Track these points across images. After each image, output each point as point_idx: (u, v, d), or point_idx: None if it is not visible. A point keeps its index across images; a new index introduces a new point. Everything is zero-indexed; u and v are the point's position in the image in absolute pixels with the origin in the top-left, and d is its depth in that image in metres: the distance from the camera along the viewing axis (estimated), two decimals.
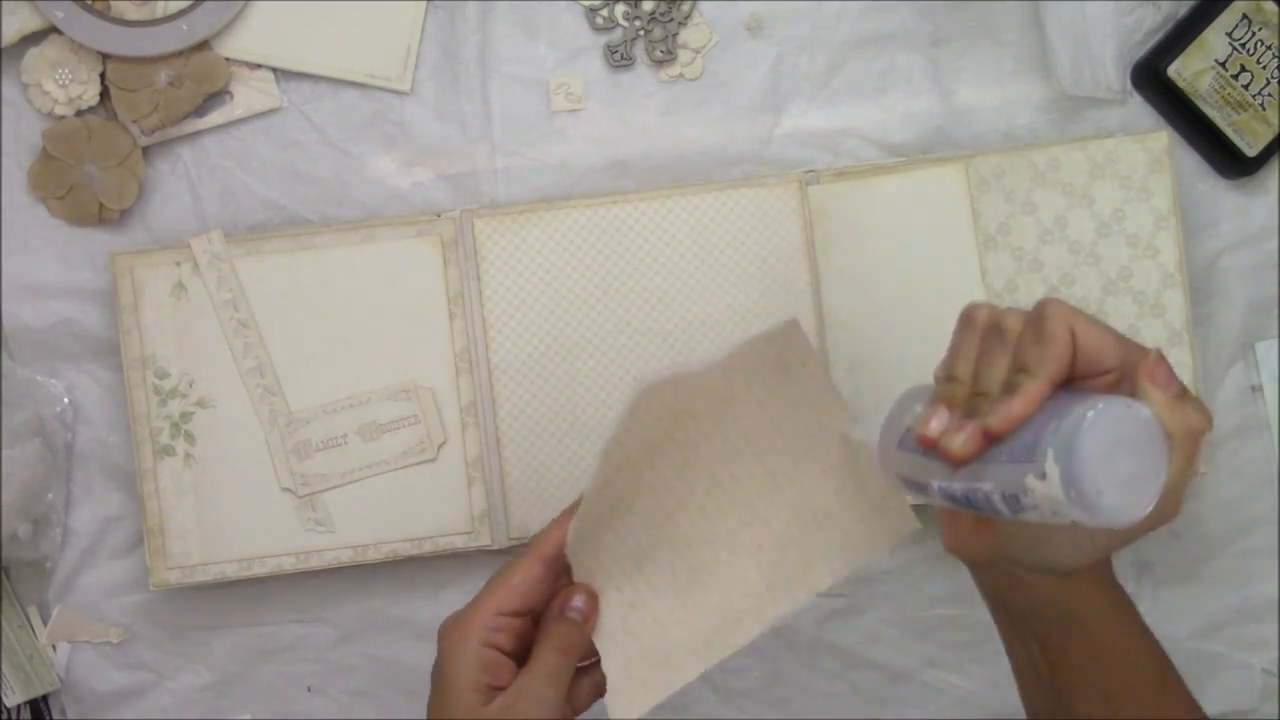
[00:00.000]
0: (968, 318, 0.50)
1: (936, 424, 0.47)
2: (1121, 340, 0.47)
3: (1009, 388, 0.46)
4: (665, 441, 0.54)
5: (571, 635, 0.55)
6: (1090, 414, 0.42)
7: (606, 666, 0.56)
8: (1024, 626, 0.55)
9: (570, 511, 0.55)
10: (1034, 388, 0.45)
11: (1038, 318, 0.47)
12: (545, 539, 0.55)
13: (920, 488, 0.50)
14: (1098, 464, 0.42)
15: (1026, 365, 0.46)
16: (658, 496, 0.56)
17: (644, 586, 0.57)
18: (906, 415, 0.51)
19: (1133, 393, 0.46)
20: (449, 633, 0.55)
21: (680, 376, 0.52)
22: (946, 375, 0.49)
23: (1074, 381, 0.47)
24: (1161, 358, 0.47)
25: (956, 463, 0.46)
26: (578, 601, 0.56)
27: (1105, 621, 0.53)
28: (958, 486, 0.47)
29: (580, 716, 0.57)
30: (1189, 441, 0.46)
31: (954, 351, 0.50)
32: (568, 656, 0.55)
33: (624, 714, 0.56)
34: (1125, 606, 0.55)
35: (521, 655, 0.55)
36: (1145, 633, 0.55)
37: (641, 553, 0.57)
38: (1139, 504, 0.43)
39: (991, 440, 0.46)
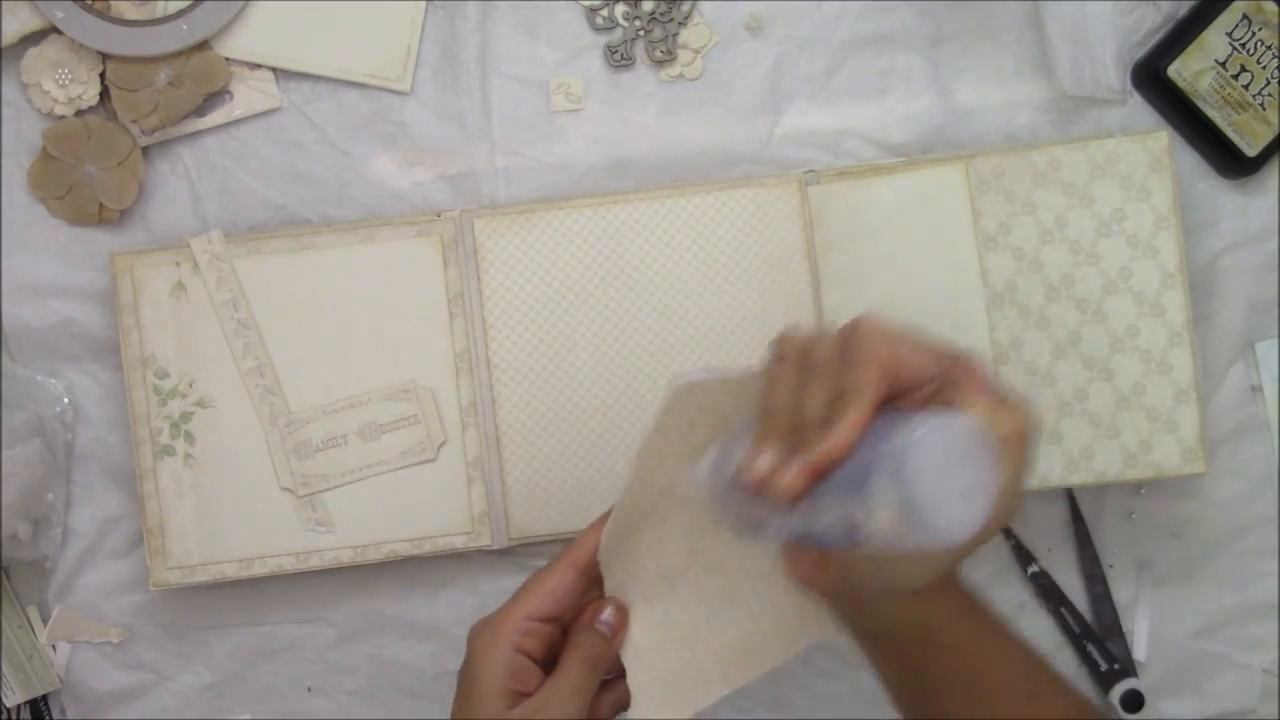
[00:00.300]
0: (780, 347, 0.48)
1: (763, 464, 0.46)
2: (936, 351, 0.46)
3: (830, 417, 0.44)
4: (699, 454, 0.54)
5: (599, 647, 0.55)
6: (915, 435, 0.41)
7: (632, 682, 0.56)
8: (884, 646, 0.55)
9: (605, 518, 0.55)
10: (855, 414, 0.44)
11: (850, 339, 0.46)
12: (579, 545, 0.55)
13: (759, 529, 0.48)
14: (931, 485, 0.41)
15: (845, 391, 0.44)
16: (694, 512, 0.55)
17: (675, 605, 0.57)
18: (733, 455, 0.49)
19: (953, 403, 0.45)
20: (479, 635, 0.55)
21: (715, 381, 0.51)
22: (766, 410, 0.48)
23: (894, 399, 0.45)
24: (977, 364, 0.46)
25: (788, 501, 0.45)
26: (607, 615, 0.56)
27: (961, 632, 0.53)
28: (795, 524, 0.46)
29: None
30: (1014, 444, 0.45)
31: (771, 384, 0.48)
32: (594, 669, 0.55)
33: None
34: (979, 612, 0.54)
35: (549, 663, 0.55)
36: (1005, 636, 0.54)
37: (675, 571, 0.57)
38: (975, 515, 0.42)
39: (820, 474, 0.44)
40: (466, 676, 0.55)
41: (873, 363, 0.45)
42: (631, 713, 0.56)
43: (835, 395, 0.45)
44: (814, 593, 0.53)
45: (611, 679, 0.57)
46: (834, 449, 0.44)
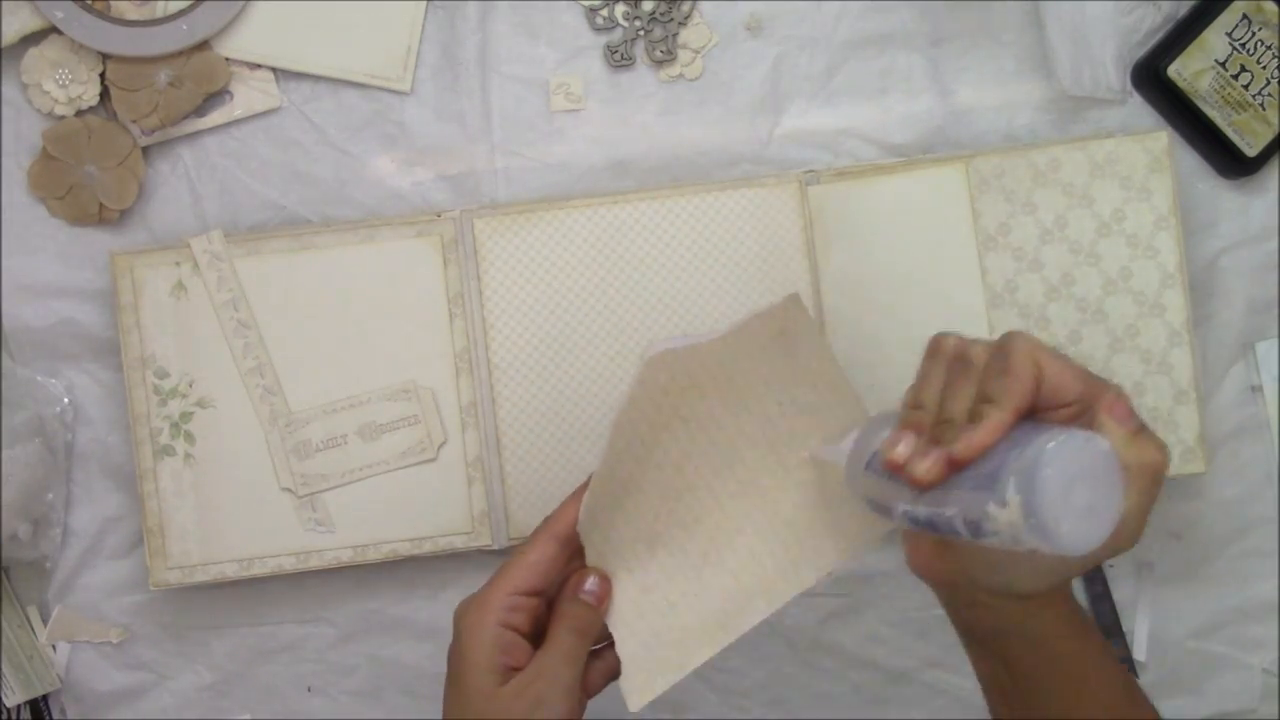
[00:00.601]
0: (935, 347, 0.51)
1: (903, 449, 0.48)
2: (1084, 374, 0.49)
3: (974, 416, 0.47)
4: (672, 419, 0.55)
5: (585, 616, 0.56)
6: (1050, 445, 0.44)
7: (620, 649, 0.57)
8: (988, 646, 0.56)
9: (582, 490, 0.56)
10: (998, 417, 0.46)
11: (1003, 350, 0.48)
12: (558, 518, 0.56)
13: (886, 510, 0.51)
14: (1056, 494, 0.43)
15: (991, 395, 0.47)
16: (667, 476, 0.56)
17: (656, 569, 0.58)
18: (874, 439, 0.52)
19: (1093, 426, 0.47)
20: (465, 614, 0.55)
21: (686, 349, 0.53)
22: (913, 402, 0.51)
23: (1036, 413, 0.48)
24: (1122, 393, 0.49)
25: (922, 487, 0.48)
26: (591, 584, 0.56)
27: (1067, 645, 0.54)
28: (922, 510, 0.49)
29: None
30: (1145, 476, 0.47)
31: (921, 379, 0.51)
32: (583, 637, 0.55)
33: (639, 696, 0.56)
34: (1086, 629, 0.56)
35: (536, 637, 0.56)
36: (1107, 655, 0.56)
37: (653, 535, 0.57)
38: (1095, 533, 0.44)
39: (955, 467, 0.47)
40: (455, 655, 0.55)
41: (1023, 373, 0.47)
42: (622, 680, 0.57)
43: (981, 399, 0.48)
44: (928, 581, 0.55)
45: (600, 648, 0.58)
46: (975, 445, 0.46)
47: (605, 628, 0.57)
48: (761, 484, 0.58)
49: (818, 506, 0.58)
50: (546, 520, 0.57)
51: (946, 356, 0.50)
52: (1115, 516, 0.45)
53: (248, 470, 0.72)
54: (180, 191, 0.75)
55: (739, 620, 0.58)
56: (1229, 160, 0.75)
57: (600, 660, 0.57)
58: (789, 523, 0.58)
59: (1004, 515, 0.44)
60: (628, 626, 0.57)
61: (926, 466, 0.47)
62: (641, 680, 0.57)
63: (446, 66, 0.75)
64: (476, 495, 0.72)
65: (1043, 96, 0.76)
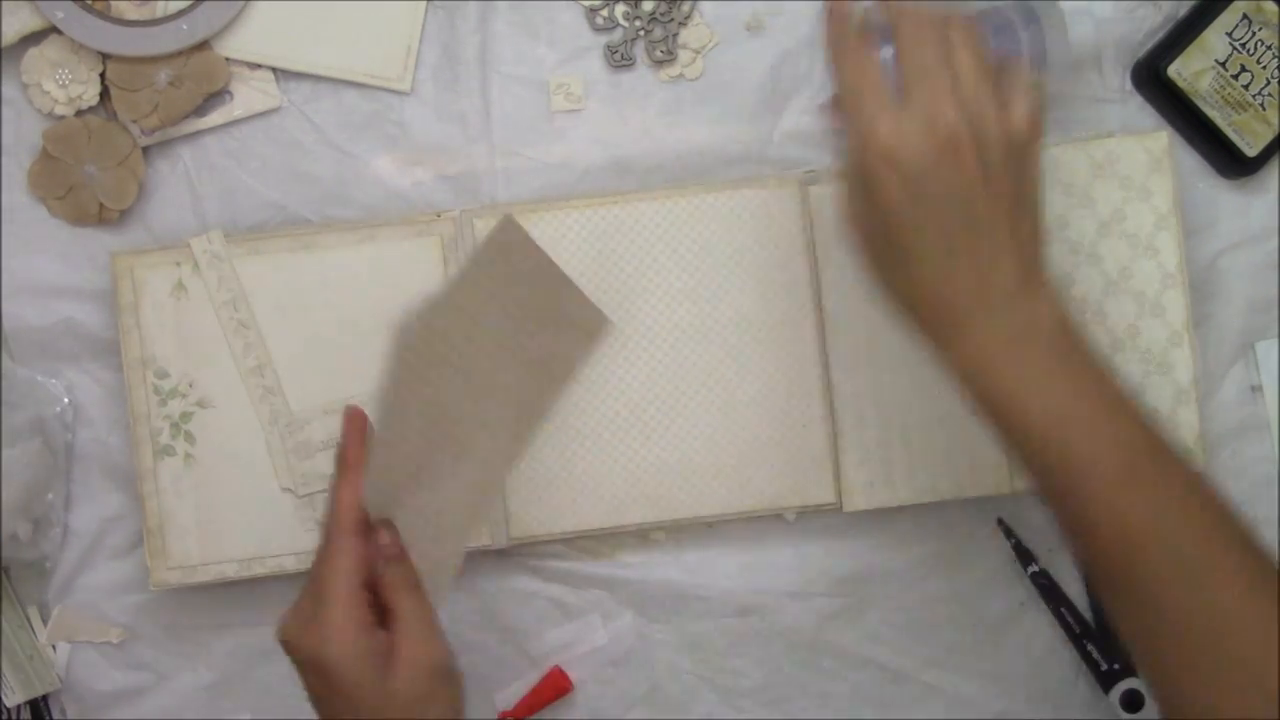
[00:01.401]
0: None
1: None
2: None
3: None
4: (428, 370, 0.58)
5: (408, 571, 0.57)
6: None
7: (420, 567, 0.59)
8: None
9: (349, 473, 0.57)
10: None
11: None
12: (342, 511, 0.57)
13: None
14: None
15: None
16: (431, 421, 0.59)
17: (422, 491, 0.60)
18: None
19: None
20: (325, 643, 0.55)
21: (426, 307, 0.56)
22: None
23: None
24: None
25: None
26: (385, 539, 0.58)
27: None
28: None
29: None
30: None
31: None
32: (419, 589, 0.57)
33: (435, 601, 0.58)
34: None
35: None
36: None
37: (419, 467, 0.60)
38: None
39: None
40: (324, 681, 0.56)
41: None
42: (429, 594, 0.58)
43: None
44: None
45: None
46: None
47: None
48: (511, 390, 0.62)
49: (535, 369, 0.62)
50: (330, 517, 0.57)
51: None
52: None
53: (248, 470, 0.72)
54: (180, 191, 0.75)
55: (487, 497, 0.63)
56: (1229, 160, 0.75)
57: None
58: (519, 398, 0.62)
59: None
60: (419, 551, 0.59)
61: None
62: (433, 587, 0.59)
63: (446, 66, 0.75)
64: None
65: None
